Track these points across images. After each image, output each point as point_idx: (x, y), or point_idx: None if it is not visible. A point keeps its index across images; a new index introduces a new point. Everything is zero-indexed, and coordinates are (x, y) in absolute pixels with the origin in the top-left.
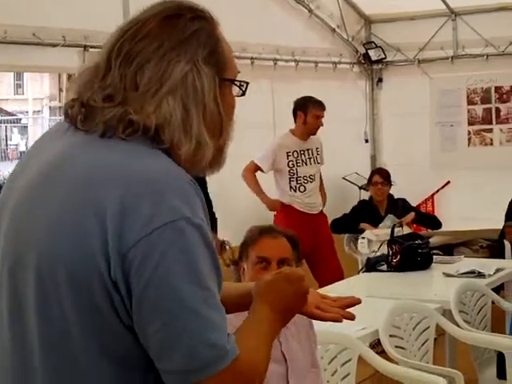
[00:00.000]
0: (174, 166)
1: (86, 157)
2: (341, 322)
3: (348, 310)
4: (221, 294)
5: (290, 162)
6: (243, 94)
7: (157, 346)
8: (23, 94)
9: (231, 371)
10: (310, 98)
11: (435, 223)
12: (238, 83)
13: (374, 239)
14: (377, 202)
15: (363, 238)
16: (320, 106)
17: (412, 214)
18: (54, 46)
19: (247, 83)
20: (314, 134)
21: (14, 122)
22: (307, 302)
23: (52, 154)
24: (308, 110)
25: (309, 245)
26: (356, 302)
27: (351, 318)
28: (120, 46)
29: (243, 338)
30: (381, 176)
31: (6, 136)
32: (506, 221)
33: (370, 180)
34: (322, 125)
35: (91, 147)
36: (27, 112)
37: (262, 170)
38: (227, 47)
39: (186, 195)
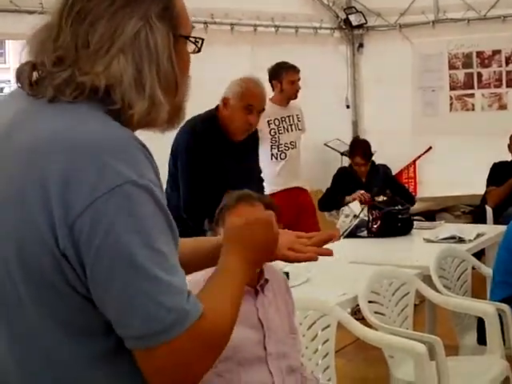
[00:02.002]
0: (119, 130)
1: (31, 124)
2: (315, 260)
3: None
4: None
5: (272, 130)
6: (199, 50)
7: (115, 313)
8: (5, 63)
9: (194, 331)
10: (282, 64)
11: (409, 199)
12: (193, 40)
13: (357, 212)
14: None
15: (347, 215)
16: (293, 70)
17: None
18: (31, 13)
19: (202, 39)
20: (295, 98)
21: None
22: (278, 244)
23: (0, 122)
24: (282, 78)
25: (291, 218)
26: (332, 236)
27: (328, 254)
28: (71, 4)
29: (209, 294)
30: (362, 157)
31: None
32: (487, 186)
33: (350, 156)
34: (299, 88)
35: (37, 114)
36: (9, 81)
37: None
38: (181, 3)
39: (131, 158)
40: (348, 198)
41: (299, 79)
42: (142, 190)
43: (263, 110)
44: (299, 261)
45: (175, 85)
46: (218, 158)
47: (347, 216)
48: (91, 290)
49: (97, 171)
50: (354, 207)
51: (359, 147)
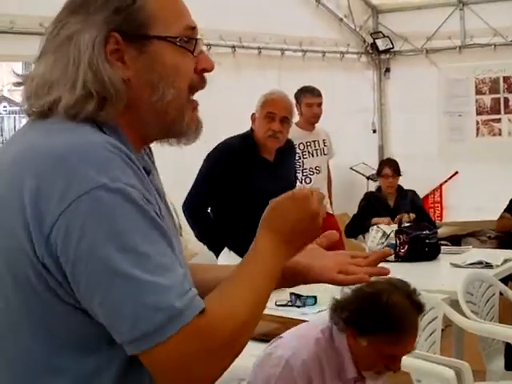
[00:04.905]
0: (93, 136)
1: (19, 141)
2: (368, 281)
3: None
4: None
5: (297, 155)
6: (192, 51)
7: (105, 320)
8: None
9: (188, 331)
10: (303, 88)
11: None
12: (173, 40)
13: (388, 231)
14: (386, 193)
15: (378, 230)
16: (311, 93)
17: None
18: None
19: (196, 39)
20: (315, 122)
21: (22, 113)
22: (328, 267)
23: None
24: (301, 101)
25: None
26: (387, 253)
27: (385, 273)
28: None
29: (224, 289)
30: (390, 168)
31: (15, 126)
32: (505, 210)
33: (379, 172)
34: (318, 111)
35: (27, 131)
36: None
37: None
38: (155, 4)
39: (102, 163)
40: (375, 220)
41: (320, 103)
42: (112, 192)
43: (287, 119)
44: (348, 283)
45: (112, 85)
46: (249, 173)
47: (377, 232)
48: (80, 299)
49: (66, 179)
50: (383, 227)
51: (386, 161)
